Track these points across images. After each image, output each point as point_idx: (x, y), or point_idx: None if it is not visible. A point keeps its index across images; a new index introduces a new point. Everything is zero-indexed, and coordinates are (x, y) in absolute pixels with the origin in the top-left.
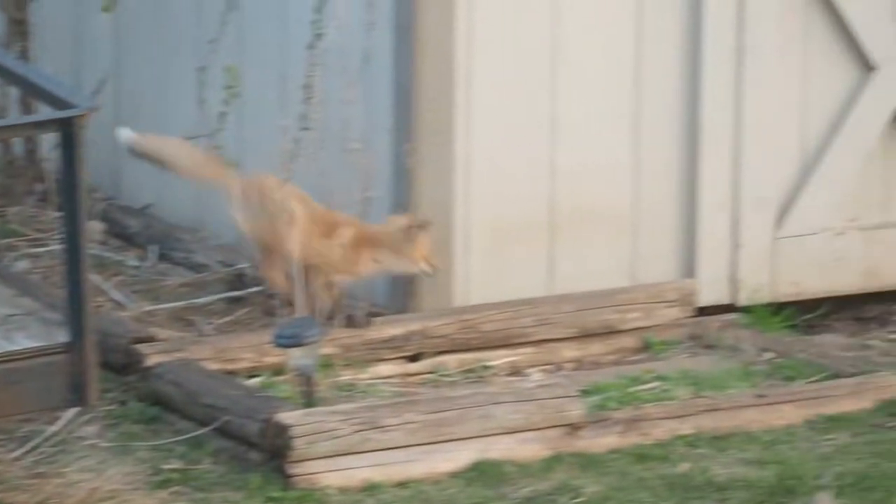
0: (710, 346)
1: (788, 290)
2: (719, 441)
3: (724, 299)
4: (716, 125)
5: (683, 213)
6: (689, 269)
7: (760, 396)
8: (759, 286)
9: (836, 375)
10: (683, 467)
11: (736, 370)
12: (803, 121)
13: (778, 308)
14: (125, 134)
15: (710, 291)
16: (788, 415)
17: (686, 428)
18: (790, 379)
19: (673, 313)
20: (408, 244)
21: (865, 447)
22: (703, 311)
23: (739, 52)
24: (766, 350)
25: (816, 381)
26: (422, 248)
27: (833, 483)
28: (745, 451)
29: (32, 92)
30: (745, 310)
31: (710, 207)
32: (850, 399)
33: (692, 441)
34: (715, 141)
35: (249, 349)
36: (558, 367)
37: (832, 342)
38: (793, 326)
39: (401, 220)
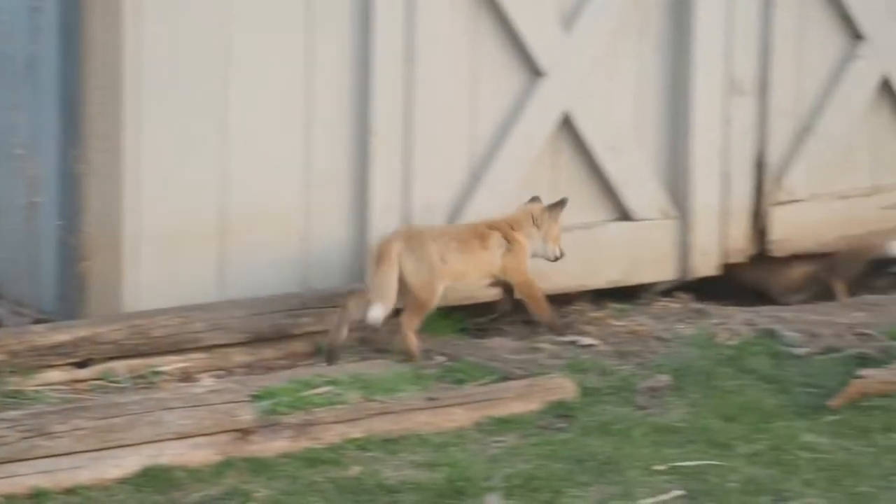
0: (381, 350)
1: (459, 293)
2: (390, 444)
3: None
4: (387, 130)
5: (355, 219)
6: (361, 273)
7: (431, 399)
8: None
9: (506, 378)
10: (354, 471)
11: (407, 374)
12: (473, 126)
13: (449, 311)
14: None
15: None
16: (459, 417)
17: (357, 431)
18: (460, 382)
19: None
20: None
21: (533, 448)
22: None
23: (408, 57)
24: (437, 353)
25: (486, 383)
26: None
27: (502, 484)
28: (416, 454)
29: None
30: None
31: (382, 212)
32: (519, 401)
33: (363, 444)
34: (385, 146)
35: None
36: (230, 372)
37: (502, 345)
38: (463, 330)
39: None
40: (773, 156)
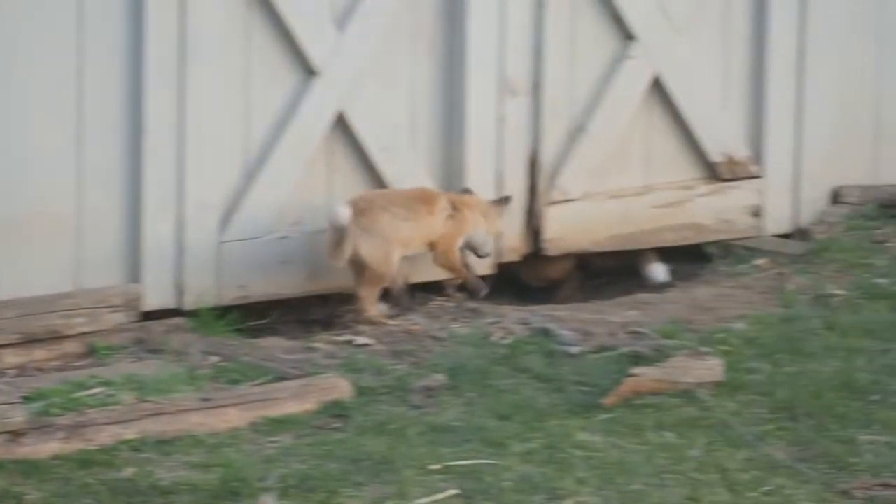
0: (155, 351)
1: (235, 293)
2: (164, 445)
3: (170, 304)
4: (160, 129)
5: (128, 218)
6: (134, 273)
7: (205, 400)
8: (204, 290)
9: (281, 378)
10: (128, 472)
11: (181, 374)
12: (247, 125)
13: (224, 311)
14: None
15: (156, 296)
16: (233, 418)
17: (131, 433)
18: (235, 382)
19: (118, 318)
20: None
21: (309, 448)
22: (150, 316)
23: (181, 55)
24: (211, 353)
25: (261, 383)
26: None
27: (277, 485)
28: (190, 455)
29: None
30: (192, 314)
31: (154, 212)
32: (294, 401)
33: (137, 445)
34: (159, 145)
35: None
36: (1, 373)
37: (277, 345)
38: (239, 330)
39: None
40: (547, 155)
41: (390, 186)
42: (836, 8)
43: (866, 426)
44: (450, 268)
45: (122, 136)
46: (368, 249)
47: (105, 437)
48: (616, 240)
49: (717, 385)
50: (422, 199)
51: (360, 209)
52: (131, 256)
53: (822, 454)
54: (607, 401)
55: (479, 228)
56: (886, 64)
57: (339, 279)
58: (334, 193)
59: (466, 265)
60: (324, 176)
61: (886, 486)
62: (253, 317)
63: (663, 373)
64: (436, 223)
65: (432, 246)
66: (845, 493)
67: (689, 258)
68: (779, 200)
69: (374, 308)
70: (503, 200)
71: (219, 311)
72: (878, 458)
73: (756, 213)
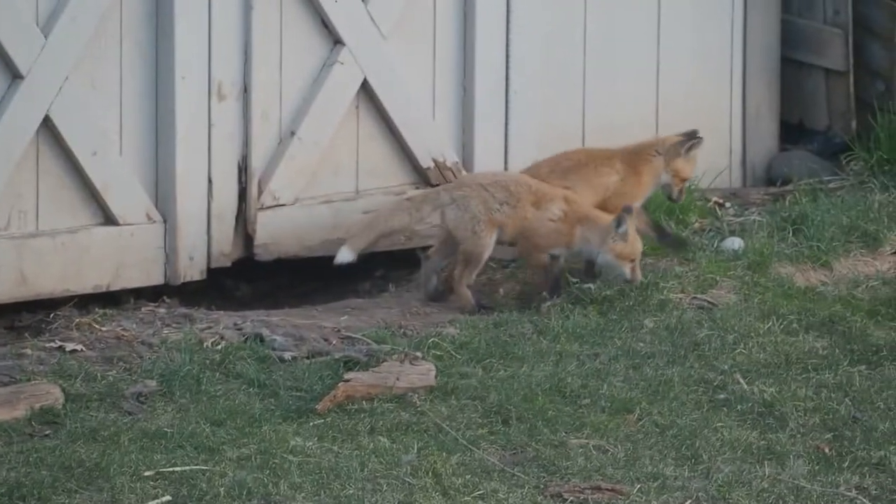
0: None
1: None
2: None
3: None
4: None
5: None
6: None
7: None
8: None
9: None
10: None
11: None
12: None
13: None
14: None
15: None
16: None
17: None
18: None
19: None
20: None
21: (19, 456)
22: None
23: None
24: None
25: None
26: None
27: None
28: None
29: None
30: None
31: None
32: (4, 408)
33: None
34: None
35: None
36: None
37: None
38: None
39: None
40: (257, 160)
41: (99, 191)
42: (539, 19)
43: (577, 430)
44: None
45: None
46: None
47: None
48: (328, 245)
49: (430, 390)
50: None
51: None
52: None
53: (534, 458)
54: (320, 406)
55: None
56: (589, 68)
57: (48, 284)
58: (43, 198)
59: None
60: (32, 179)
61: (597, 489)
62: None
63: (376, 377)
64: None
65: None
66: (557, 497)
67: (402, 264)
68: None
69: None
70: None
71: None
72: (588, 462)
73: None
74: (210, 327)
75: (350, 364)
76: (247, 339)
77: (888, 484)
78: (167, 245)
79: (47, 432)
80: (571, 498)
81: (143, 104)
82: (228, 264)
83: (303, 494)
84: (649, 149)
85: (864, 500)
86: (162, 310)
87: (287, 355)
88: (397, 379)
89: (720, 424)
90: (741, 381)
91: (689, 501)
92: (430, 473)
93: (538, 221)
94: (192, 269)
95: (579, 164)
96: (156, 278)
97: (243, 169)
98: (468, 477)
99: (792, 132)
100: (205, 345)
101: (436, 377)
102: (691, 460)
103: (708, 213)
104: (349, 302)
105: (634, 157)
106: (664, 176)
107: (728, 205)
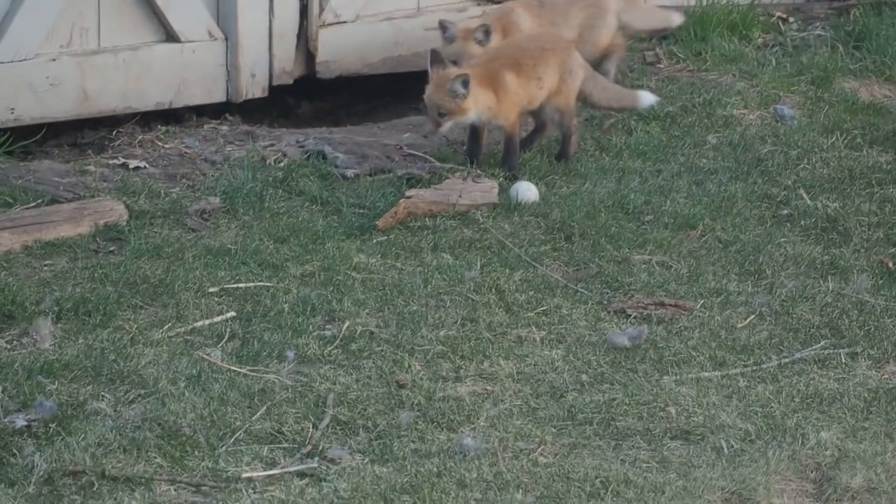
0: None
1: (4, 116)
2: None
3: None
4: None
5: None
6: None
7: None
8: None
9: (55, 201)
10: None
11: None
12: None
13: None
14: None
15: None
16: (6, 241)
17: None
18: (8, 206)
19: None
20: None
21: (84, 272)
22: None
23: None
24: None
25: (34, 207)
26: None
27: (52, 308)
28: None
29: None
30: None
31: None
32: (68, 224)
33: None
34: None
35: None
36: None
37: (49, 168)
38: (9, 153)
39: None
40: None
41: (160, 8)
42: None
43: (640, 246)
44: None
45: None
46: None
47: None
48: (389, 62)
49: (493, 207)
50: None
51: None
52: None
53: (597, 274)
54: (381, 222)
55: None
56: None
57: (110, 102)
58: (105, 16)
59: None
60: None
61: (660, 304)
62: (21, 139)
63: (438, 194)
64: None
65: None
66: (621, 312)
67: None
68: None
69: None
70: None
71: None
72: (651, 278)
73: None
74: (272, 144)
75: (413, 181)
76: (309, 156)
77: None
78: (229, 62)
79: (112, 248)
80: (634, 313)
81: None
82: (290, 82)
83: (366, 311)
84: None
85: None
86: (224, 127)
87: (349, 172)
88: (460, 196)
89: (783, 240)
90: (804, 196)
91: (753, 316)
92: (493, 289)
93: None
94: (253, 87)
95: None
96: (217, 96)
97: None
98: (531, 293)
99: None
100: (267, 162)
101: (498, 194)
102: (754, 275)
103: (771, 28)
104: (410, 119)
105: None
106: None
107: (791, 20)
